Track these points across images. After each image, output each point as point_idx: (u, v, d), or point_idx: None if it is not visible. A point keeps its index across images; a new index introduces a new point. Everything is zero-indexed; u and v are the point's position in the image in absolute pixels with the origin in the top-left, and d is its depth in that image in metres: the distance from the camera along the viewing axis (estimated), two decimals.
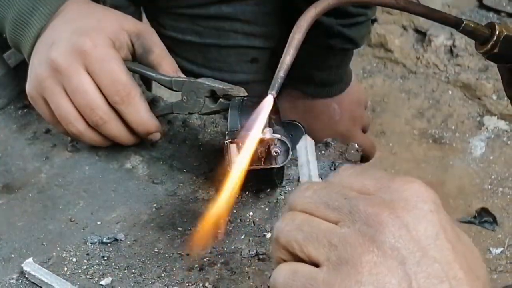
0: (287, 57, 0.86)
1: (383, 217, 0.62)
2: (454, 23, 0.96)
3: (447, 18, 0.96)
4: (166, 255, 0.93)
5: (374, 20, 3.19)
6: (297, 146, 0.83)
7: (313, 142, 0.82)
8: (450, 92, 3.12)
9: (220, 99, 1.00)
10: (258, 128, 0.84)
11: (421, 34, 3.26)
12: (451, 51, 3.18)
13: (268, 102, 0.84)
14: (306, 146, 0.80)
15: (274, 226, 0.69)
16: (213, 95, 1.00)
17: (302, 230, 0.65)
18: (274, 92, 0.84)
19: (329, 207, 0.65)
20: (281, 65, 0.85)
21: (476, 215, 2.64)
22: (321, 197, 0.66)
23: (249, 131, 0.85)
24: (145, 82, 1.33)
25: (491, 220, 2.62)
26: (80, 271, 0.92)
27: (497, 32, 0.97)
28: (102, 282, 0.90)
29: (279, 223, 0.68)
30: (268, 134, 0.90)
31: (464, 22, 0.96)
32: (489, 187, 2.76)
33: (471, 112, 3.04)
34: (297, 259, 0.65)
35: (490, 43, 0.97)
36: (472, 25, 0.96)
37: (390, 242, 0.61)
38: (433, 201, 0.64)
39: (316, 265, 0.63)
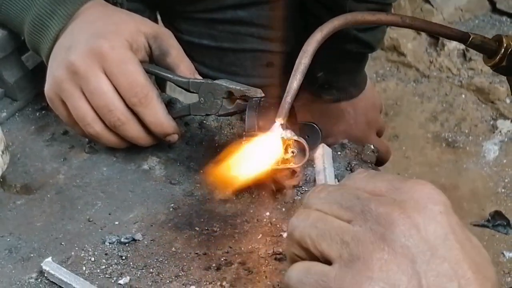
0: (294, 83, 0.87)
1: (394, 217, 0.63)
2: (461, 37, 0.96)
3: (454, 33, 0.96)
4: (184, 255, 0.94)
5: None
6: (315, 155, 0.84)
7: (330, 151, 0.83)
8: (463, 95, 3.12)
9: (237, 100, 1.00)
10: (267, 153, 0.86)
11: (434, 38, 3.25)
12: (464, 55, 3.17)
13: (275, 129, 0.85)
14: (323, 154, 0.82)
15: (289, 222, 0.70)
16: (230, 97, 1.01)
17: (316, 227, 0.67)
18: (281, 119, 0.86)
19: (342, 207, 0.67)
20: (288, 90, 0.87)
21: (490, 218, 2.63)
22: (334, 198, 0.68)
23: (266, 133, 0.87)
24: (159, 85, 1.34)
25: (505, 223, 2.61)
26: (98, 270, 0.92)
27: (504, 45, 0.97)
28: (121, 281, 0.90)
29: (294, 219, 0.69)
30: (285, 135, 0.90)
31: (472, 37, 0.96)
32: (503, 190, 2.75)
33: (484, 115, 3.04)
34: (310, 255, 0.67)
35: (498, 56, 0.97)
36: (480, 39, 0.97)
37: (400, 240, 0.62)
38: (443, 203, 0.65)
39: (329, 262, 0.65)
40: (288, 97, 0.87)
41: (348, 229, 0.65)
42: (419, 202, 0.65)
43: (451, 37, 0.97)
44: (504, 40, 0.97)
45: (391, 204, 0.65)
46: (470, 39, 0.96)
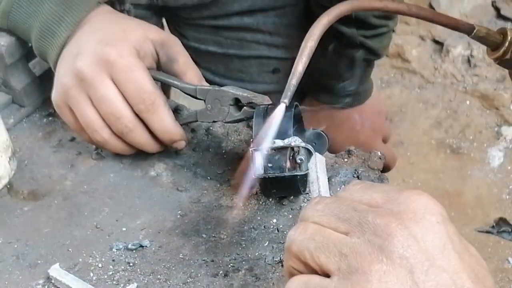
0: (300, 65, 0.87)
1: (391, 228, 0.64)
2: (466, 29, 0.96)
3: (459, 24, 0.96)
4: (191, 261, 0.94)
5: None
6: (308, 164, 0.84)
7: (323, 159, 0.83)
8: (467, 102, 3.12)
9: (245, 107, 1.00)
10: (269, 136, 0.86)
11: (439, 44, 3.25)
12: (468, 61, 3.17)
13: (280, 110, 0.85)
14: (315, 163, 0.82)
15: (287, 235, 0.71)
16: (238, 103, 1.01)
17: (314, 240, 0.67)
18: (286, 101, 0.86)
19: (340, 219, 0.67)
20: (293, 73, 0.86)
21: (494, 225, 2.63)
22: (331, 210, 0.68)
23: (268, 139, 0.87)
24: (163, 91, 1.34)
25: (510, 230, 2.61)
26: (106, 276, 0.92)
27: (509, 38, 0.97)
28: None
29: (292, 233, 0.70)
30: (293, 142, 0.91)
31: (476, 28, 0.96)
32: (507, 197, 2.75)
33: (488, 122, 3.03)
34: (309, 268, 0.67)
35: (502, 49, 0.97)
36: (484, 31, 0.97)
37: (398, 251, 0.63)
38: (440, 213, 0.66)
39: (328, 275, 0.65)
40: (293, 80, 0.86)
41: (346, 241, 0.65)
42: (416, 212, 0.65)
43: (456, 28, 0.97)
44: (508, 33, 0.97)
45: (388, 215, 0.65)
46: (475, 30, 0.95)
